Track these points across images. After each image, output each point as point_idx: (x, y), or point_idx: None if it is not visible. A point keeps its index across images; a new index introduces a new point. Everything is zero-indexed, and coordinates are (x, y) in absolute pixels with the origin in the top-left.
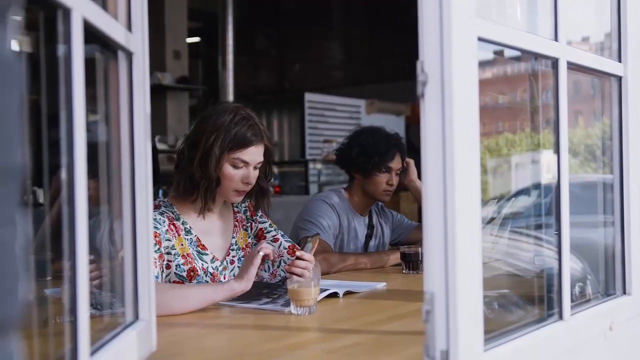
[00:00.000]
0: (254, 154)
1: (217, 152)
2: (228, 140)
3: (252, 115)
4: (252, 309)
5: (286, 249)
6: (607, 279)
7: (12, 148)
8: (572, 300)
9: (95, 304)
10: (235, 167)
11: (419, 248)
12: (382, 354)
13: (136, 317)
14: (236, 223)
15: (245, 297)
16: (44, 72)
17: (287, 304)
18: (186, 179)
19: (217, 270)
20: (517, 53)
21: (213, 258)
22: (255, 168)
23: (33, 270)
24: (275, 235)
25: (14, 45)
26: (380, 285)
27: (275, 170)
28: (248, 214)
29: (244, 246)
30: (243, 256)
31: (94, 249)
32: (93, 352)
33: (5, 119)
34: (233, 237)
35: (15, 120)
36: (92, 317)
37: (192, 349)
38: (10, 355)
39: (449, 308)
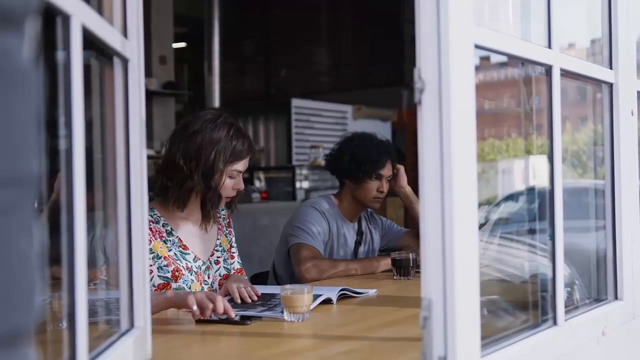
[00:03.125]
0: (246, 162)
1: (222, 167)
2: (229, 154)
3: (240, 126)
4: (250, 316)
5: (234, 270)
6: (599, 284)
7: (29, 157)
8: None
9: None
10: (231, 177)
11: (410, 254)
12: None
13: (132, 325)
14: (219, 226)
15: (242, 306)
16: (41, 77)
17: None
18: (186, 191)
19: (201, 270)
20: (502, 59)
21: (195, 257)
22: (243, 174)
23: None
24: (234, 253)
25: (31, 53)
26: (372, 292)
27: (262, 176)
28: (226, 222)
29: (227, 249)
30: (226, 258)
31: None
32: None
33: (22, 128)
34: (217, 239)
35: (32, 129)
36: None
37: (187, 356)
38: None
39: (446, 314)
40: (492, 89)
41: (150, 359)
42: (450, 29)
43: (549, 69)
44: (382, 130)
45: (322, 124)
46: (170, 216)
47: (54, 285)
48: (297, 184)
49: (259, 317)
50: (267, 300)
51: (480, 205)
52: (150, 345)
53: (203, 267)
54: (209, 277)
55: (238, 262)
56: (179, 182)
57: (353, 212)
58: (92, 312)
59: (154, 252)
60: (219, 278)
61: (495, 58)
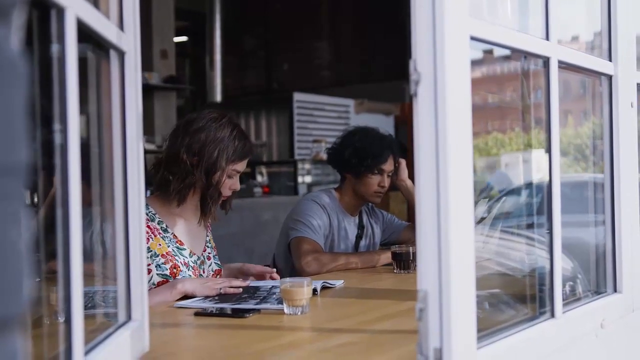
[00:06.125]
0: (245, 164)
1: (224, 165)
2: (231, 153)
3: (242, 128)
4: (249, 309)
5: (213, 271)
6: (598, 277)
7: (18, 146)
8: (562, 299)
9: (86, 304)
10: (230, 177)
11: (410, 247)
12: (376, 353)
13: (129, 317)
14: (208, 224)
15: (233, 300)
16: (36, 71)
17: (281, 301)
18: (187, 186)
19: (196, 264)
20: (506, 52)
21: (190, 252)
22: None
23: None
24: (213, 252)
25: (18, 44)
26: (340, 283)
27: (264, 170)
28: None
29: (214, 246)
30: (215, 255)
31: (84, 249)
32: (86, 352)
33: (10, 118)
34: (207, 236)
35: (20, 118)
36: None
37: (185, 349)
38: (14, 353)
39: (442, 306)
40: (496, 82)
41: (148, 352)
42: (446, 20)
43: (546, 61)
44: (385, 124)
45: (324, 118)
46: (165, 212)
47: (52, 279)
48: (299, 179)
49: (258, 310)
50: (253, 293)
51: (483, 198)
52: (148, 337)
53: (198, 262)
54: (204, 272)
55: (216, 263)
56: (181, 177)
57: (354, 206)
58: (93, 305)
59: (152, 251)
60: (211, 273)
61: (498, 51)
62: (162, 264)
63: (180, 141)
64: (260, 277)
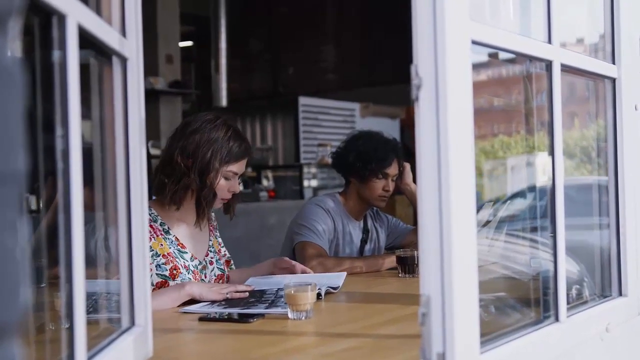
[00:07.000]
0: (243, 165)
1: (217, 166)
2: (225, 154)
3: (239, 129)
4: (253, 314)
5: (215, 276)
6: (603, 280)
7: (14, 153)
8: (568, 303)
9: (90, 309)
10: (226, 178)
11: (415, 251)
12: (380, 357)
13: (132, 323)
14: (211, 228)
15: (241, 305)
16: (38, 77)
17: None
18: (182, 188)
19: (197, 269)
20: (511, 55)
21: (192, 257)
22: (239, 178)
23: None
24: (223, 248)
25: (15, 52)
26: (342, 277)
27: (270, 174)
28: (215, 224)
29: (217, 251)
30: (218, 259)
31: (88, 255)
32: (89, 358)
33: (7, 125)
34: (210, 240)
35: (17, 126)
36: (88, 322)
37: (188, 354)
38: (12, 359)
39: (445, 310)
40: (502, 85)
41: (152, 357)
42: (447, 24)
43: (549, 65)
44: (390, 127)
45: (329, 122)
46: (167, 216)
47: (57, 284)
48: (305, 183)
49: (262, 315)
50: (260, 297)
51: (489, 202)
52: (152, 343)
53: (199, 267)
54: (205, 277)
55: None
56: (176, 179)
57: (359, 211)
58: (95, 309)
59: (153, 250)
60: (213, 278)
61: (504, 54)
62: (163, 264)
63: (176, 144)
64: (291, 271)
